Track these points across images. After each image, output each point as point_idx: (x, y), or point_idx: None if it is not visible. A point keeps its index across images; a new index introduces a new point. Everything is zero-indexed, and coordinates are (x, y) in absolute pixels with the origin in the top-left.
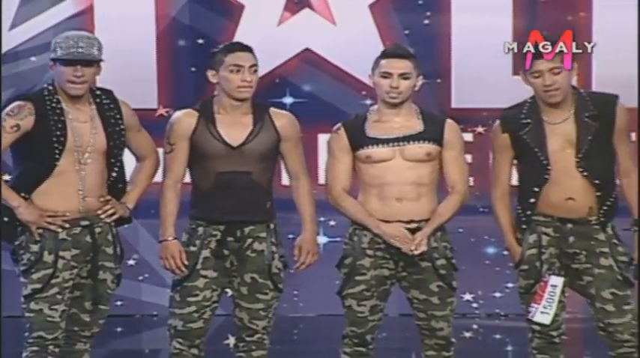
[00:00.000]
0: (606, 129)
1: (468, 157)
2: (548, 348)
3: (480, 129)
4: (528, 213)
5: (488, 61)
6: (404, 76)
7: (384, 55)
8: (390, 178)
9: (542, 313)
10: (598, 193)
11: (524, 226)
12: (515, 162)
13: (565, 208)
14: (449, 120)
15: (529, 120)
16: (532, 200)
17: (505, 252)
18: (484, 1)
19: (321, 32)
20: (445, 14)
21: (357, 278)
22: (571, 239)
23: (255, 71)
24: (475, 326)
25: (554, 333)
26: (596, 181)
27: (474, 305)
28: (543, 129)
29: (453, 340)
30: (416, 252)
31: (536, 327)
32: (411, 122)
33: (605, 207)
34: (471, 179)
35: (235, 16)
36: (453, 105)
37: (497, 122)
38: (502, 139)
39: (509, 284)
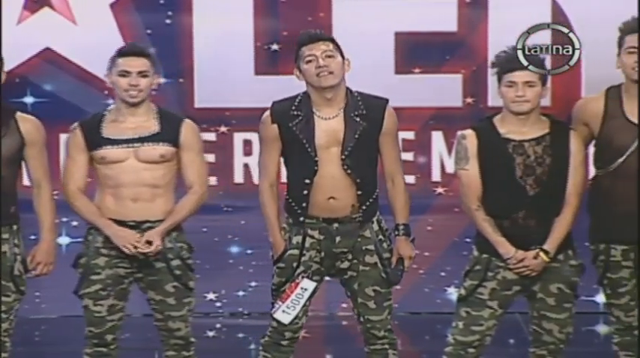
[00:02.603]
0: (373, 130)
1: (211, 157)
2: (272, 348)
3: (223, 129)
4: (303, 204)
5: (230, 61)
6: (142, 74)
7: (121, 53)
8: (125, 179)
9: (284, 312)
10: (359, 192)
11: (301, 219)
12: (283, 157)
13: (329, 208)
14: (186, 121)
15: (300, 113)
16: (305, 192)
17: (249, 251)
18: (225, 0)
19: (62, 31)
20: (187, 14)
21: (93, 277)
22: (338, 239)
23: None
24: (218, 325)
25: (287, 335)
26: (358, 180)
27: (218, 304)
28: (314, 122)
29: (193, 340)
30: (147, 251)
31: (274, 324)
32: (148, 123)
33: (364, 207)
34: (215, 178)
35: None
36: (196, 104)
37: (267, 113)
38: (271, 130)
39: (253, 283)
